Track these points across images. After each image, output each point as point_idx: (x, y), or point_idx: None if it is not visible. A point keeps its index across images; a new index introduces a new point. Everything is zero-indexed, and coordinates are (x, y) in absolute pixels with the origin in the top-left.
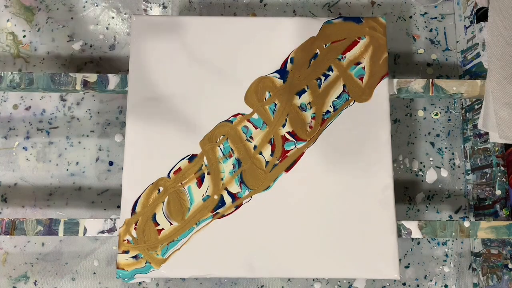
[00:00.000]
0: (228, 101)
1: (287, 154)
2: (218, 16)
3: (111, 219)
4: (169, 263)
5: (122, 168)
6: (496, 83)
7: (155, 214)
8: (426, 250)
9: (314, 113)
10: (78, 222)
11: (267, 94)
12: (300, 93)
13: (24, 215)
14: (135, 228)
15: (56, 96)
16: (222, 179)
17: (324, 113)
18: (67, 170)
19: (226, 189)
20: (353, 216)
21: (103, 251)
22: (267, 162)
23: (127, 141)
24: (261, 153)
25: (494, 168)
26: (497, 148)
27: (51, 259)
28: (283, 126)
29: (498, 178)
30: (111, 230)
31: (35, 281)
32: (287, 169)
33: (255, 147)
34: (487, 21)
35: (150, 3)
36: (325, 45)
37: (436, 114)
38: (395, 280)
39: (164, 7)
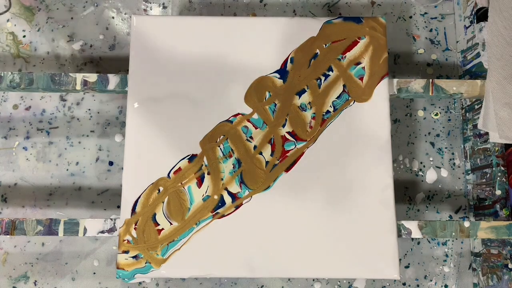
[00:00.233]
0: (228, 101)
1: (287, 154)
2: (218, 16)
3: (111, 219)
4: (169, 263)
5: (122, 168)
6: (496, 83)
7: (155, 214)
8: (426, 250)
9: (314, 113)
10: (78, 222)
11: (267, 94)
12: (300, 93)
13: (24, 215)
14: (135, 228)
15: (56, 96)
16: (222, 179)
17: (324, 113)
18: (67, 170)
19: (226, 189)
20: (353, 216)
21: (103, 251)
22: (267, 162)
23: (127, 141)
24: (261, 153)
25: (494, 168)
26: (497, 148)
27: (51, 259)
28: (283, 126)
29: (498, 178)
30: (111, 230)
31: (35, 281)
32: (287, 169)
33: (255, 147)
34: (487, 21)
35: (150, 3)
36: (325, 45)
37: (436, 114)
38: (395, 280)
39: (164, 7)
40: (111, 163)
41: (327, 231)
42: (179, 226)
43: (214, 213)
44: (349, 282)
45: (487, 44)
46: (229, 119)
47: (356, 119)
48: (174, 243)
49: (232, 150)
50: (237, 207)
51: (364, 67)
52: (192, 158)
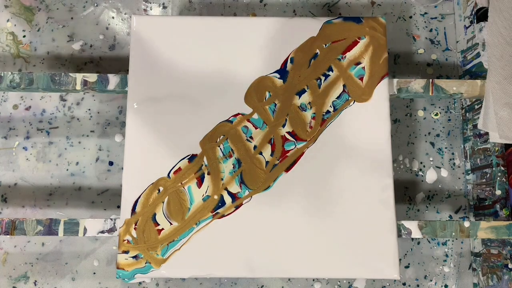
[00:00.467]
0: (228, 101)
1: (287, 154)
2: (218, 16)
3: (111, 219)
4: (169, 263)
5: (122, 168)
6: (496, 83)
7: (155, 214)
8: (426, 250)
9: (314, 113)
10: (78, 222)
11: (267, 94)
12: (300, 93)
13: (24, 215)
14: (135, 228)
15: (56, 96)
16: (222, 179)
17: (324, 113)
18: (67, 170)
19: (226, 189)
20: (353, 216)
21: (103, 251)
22: (267, 162)
23: (127, 141)
24: (261, 153)
25: (494, 168)
26: (497, 148)
27: (51, 259)
28: (283, 126)
29: (498, 178)
30: (111, 230)
31: (35, 281)
32: (287, 169)
33: (255, 147)
34: (487, 21)
35: (150, 3)
36: (325, 45)
37: (436, 114)
38: (395, 280)
39: (164, 7)
40: (111, 163)
41: (327, 231)
42: (179, 226)
43: (214, 213)
44: (349, 282)
45: (487, 44)
46: (229, 119)
47: (356, 119)
48: (174, 243)
49: (232, 150)
50: (237, 207)
51: (364, 67)
52: (192, 158)
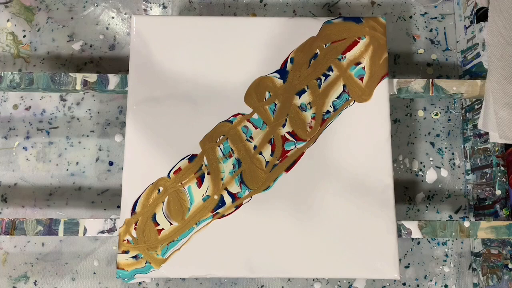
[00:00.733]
0: (228, 101)
1: (287, 154)
2: (218, 16)
3: (111, 219)
4: (169, 263)
5: (122, 168)
6: (496, 83)
7: (155, 214)
8: (426, 250)
9: (314, 113)
10: (78, 222)
11: (267, 94)
12: (300, 93)
13: (24, 215)
14: (135, 228)
15: (56, 96)
16: (222, 179)
17: (324, 113)
18: (67, 170)
19: (226, 189)
20: (353, 216)
21: (103, 251)
22: (267, 162)
23: (127, 141)
24: (261, 153)
25: (494, 168)
26: (497, 148)
27: (51, 259)
28: (283, 126)
29: (498, 178)
30: (111, 230)
31: (35, 281)
32: (287, 169)
33: (255, 147)
34: (487, 21)
35: (150, 3)
36: (325, 45)
37: (436, 114)
38: (395, 280)
39: (164, 7)
40: (111, 163)
41: (327, 231)
42: (179, 226)
43: (214, 213)
44: (349, 282)
45: (487, 44)
46: (229, 119)
47: (356, 119)
48: (174, 243)
49: (232, 150)
50: (237, 207)
51: (364, 67)
52: (192, 158)
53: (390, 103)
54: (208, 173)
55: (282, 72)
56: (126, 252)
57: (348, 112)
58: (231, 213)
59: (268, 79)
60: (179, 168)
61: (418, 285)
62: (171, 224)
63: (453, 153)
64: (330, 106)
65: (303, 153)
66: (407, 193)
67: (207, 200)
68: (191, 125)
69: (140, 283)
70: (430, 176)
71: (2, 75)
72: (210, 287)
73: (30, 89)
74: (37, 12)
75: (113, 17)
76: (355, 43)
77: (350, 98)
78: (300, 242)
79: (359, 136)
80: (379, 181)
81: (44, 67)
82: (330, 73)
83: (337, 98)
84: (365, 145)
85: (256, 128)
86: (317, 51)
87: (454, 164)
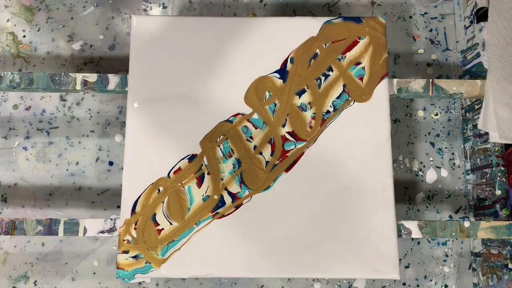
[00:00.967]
0: (228, 101)
1: (287, 154)
2: (218, 16)
3: (111, 219)
4: (169, 263)
5: (122, 168)
6: (496, 83)
7: (155, 214)
8: (426, 250)
9: (314, 113)
10: (78, 222)
11: (267, 94)
12: (300, 93)
13: (24, 215)
14: (135, 228)
15: (56, 96)
16: (222, 179)
17: (324, 113)
18: (67, 170)
19: (226, 189)
20: (353, 216)
21: (103, 251)
22: (267, 162)
23: (127, 141)
24: (261, 153)
25: (494, 168)
26: (497, 148)
27: (51, 259)
28: (283, 126)
29: (498, 178)
30: (111, 230)
31: (35, 281)
32: (287, 169)
33: (255, 147)
34: (487, 21)
35: (150, 3)
36: (325, 45)
37: (436, 114)
38: (395, 280)
39: (164, 7)
40: (111, 163)
41: (327, 231)
42: (179, 226)
43: (214, 213)
44: (349, 282)
45: (487, 44)
46: (229, 119)
47: (356, 119)
48: (174, 243)
49: (232, 150)
50: (237, 207)
51: (364, 67)
52: (192, 158)
53: (390, 103)
54: (208, 173)
55: (282, 72)
56: (126, 252)
57: (348, 112)
58: (231, 213)
59: (268, 79)
60: (179, 168)
61: (418, 285)
62: (171, 224)
63: (453, 153)
64: (330, 106)
65: (303, 153)
66: (407, 193)
67: (207, 200)
68: (191, 125)
69: (140, 283)
70: (430, 176)
71: (2, 75)
72: (210, 287)
73: (30, 89)
74: (37, 12)
75: (113, 17)
76: (355, 43)
77: (350, 98)
78: (300, 242)
79: (359, 136)
80: (379, 181)
81: (44, 67)
82: (330, 73)
83: (337, 98)
84: (365, 145)
85: (256, 128)
86: (317, 51)
87: (454, 164)
